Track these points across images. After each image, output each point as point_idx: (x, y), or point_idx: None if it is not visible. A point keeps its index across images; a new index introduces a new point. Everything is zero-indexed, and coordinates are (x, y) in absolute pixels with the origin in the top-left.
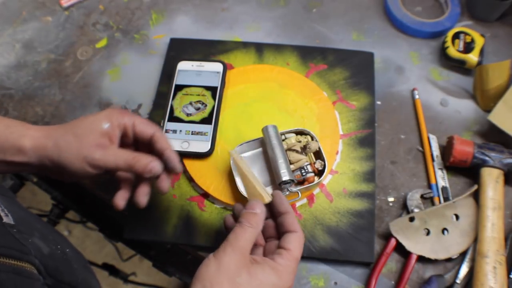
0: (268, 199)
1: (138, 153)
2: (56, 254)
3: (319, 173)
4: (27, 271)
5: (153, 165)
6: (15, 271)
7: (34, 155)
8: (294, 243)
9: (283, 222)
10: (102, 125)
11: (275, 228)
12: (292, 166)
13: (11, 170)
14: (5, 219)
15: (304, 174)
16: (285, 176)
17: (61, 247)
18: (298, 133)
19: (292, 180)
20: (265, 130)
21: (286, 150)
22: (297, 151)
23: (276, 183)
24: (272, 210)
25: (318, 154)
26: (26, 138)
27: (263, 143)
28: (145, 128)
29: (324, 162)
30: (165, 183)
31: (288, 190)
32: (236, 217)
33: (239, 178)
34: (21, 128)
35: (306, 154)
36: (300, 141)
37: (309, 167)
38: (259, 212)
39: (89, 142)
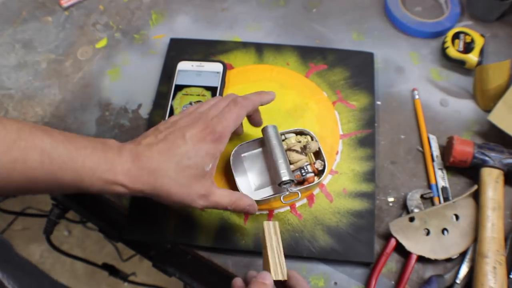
0: (280, 277)
1: (236, 194)
2: None
3: (319, 173)
4: None
5: (253, 208)
6: None
7: (130, 192)
8: None
9: None
10: (205, 168)
11: None
12: (292, 166)
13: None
14: None
15: (304, 174)
16: (285, 176)
17: None
18: (298, 133)
19: (292, 180)
20: (265, 130)
21: (286, 150)
22: (297, 151)
23: (276, 183)
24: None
25: (318, 154)
26: (120, 176)
27: (263, 143)
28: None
29: (324, 162)
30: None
31: (288, 190)
32: (246, 281)
33: (239, 178)
34: (107, 163)
35: (306, 154)
36: (300, 141)
37: (309, 167)
38: (268, 283)
39: (194, 193)
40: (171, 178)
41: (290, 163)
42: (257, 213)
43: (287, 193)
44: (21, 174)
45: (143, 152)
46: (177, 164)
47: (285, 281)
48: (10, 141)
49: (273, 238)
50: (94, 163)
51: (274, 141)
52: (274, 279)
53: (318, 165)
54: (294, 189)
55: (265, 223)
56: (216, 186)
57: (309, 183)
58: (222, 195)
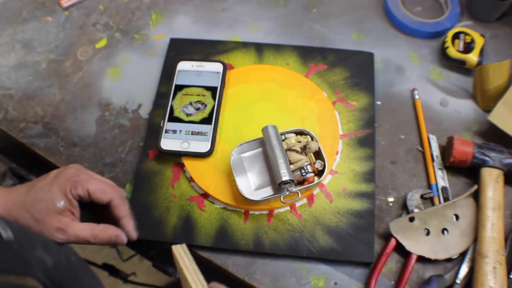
0: None
1: (99, 227)
2: (61, 265)
3: (319, 173)
4: (32, 287)
5: (121, 239)
6: (19, 287)
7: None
8: None
9: None
10: (57, 204)
11: None
12: (292, 166)
13: None
14: (4, 235)
15: (304, 174)
16: (285, 176)
17: (66, 255)
18: (298, 133)
19: (292, 180)
20: (265, 130)
21: (286, 150)
22: (297, 151)
23: (276, 183)
24: None
25: (318, 154)
26: None
27: (263, 143)
28: (101, 196)
29: (324, 162)
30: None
31: (288, 190)
32: None
33: (239, 178)
34: None
35: (306, 154)
36: (300, 141)
37: (309, 167)
38: None
39: (49, 227)
40: (28, 211)
41: (290, 163)
42: (257, 213)
43: (287, 193)
44: None
45: (16, 188)
46: (33, 197)
47: None
48: None
49: (185, 258)
50: None
51: (274, 141)
52: None
53: (318, 165)
54: (294, 189)
55: (173, 247)
56: (78, 222)
57: (309, 183)
58: (82, 228)
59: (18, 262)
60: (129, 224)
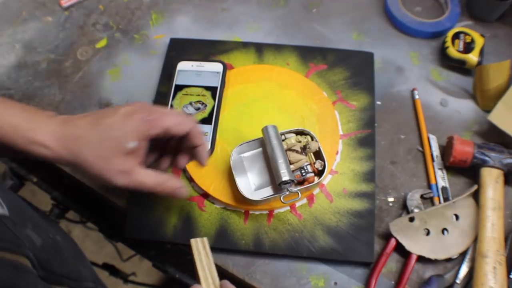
0: (212, 287)
1: (163, 176)
2: (48, 245)
3: (319, 173)
4: (23, 265)
5: (182, 192)
6: (12, 265)
7: (53, 157)
8: None
9: None
10: (128, 145)
11: None
12: (292, 166)
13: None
14: (0, 211)
15: (304, 174)
16: (285, 176)
17: (52, 235)
18: (298, 133)
19: (292, 180)
20: (265, 130)
21: (286, 150)
22: (297, 151)
23: (276, 183)
24: None
25: (318, 154)
26: (42, 137)
27: (263, 143)
28: (180, 129)
29: (324, 162)
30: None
31: (288, 190)
32: None
33: (239, 178)
34: (30, 123)
35: (306, 154)
36: (300, 141)
37: (309, 167)
38: None
39: (113, 167)
40: (91, 148)
41: (290, 163)
42: (257, 213)
43: (287, 193)
44: None
45: (73, 120)
46: (100, 134)
47: None
48: None
49: (201, 252)
50: (17, 121)
51: (274, 141)
52: None
53: (318, 165)
54: (294, 189)
55: (192, 240)
56: (143, 167)
57: (309, 183)
58: (147, 175)
59: (12, 239)
60: (204, 152)
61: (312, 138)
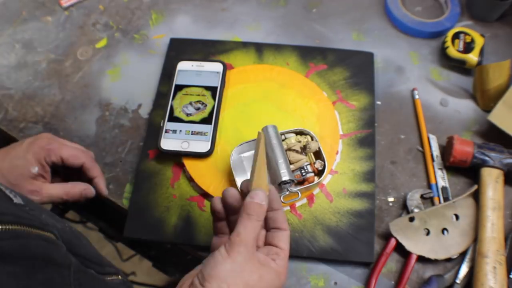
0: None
1: (68, 185)
2: (66, 230)
3: (319, 173)
4: (53, 239)
5: (89, 191)
6: (43, 238)
7: None
8: (287, 242)
9: (276, 219)
10: (31, 170)
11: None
12: (292, 166)
13: None
14: (15, 200)
15: (304, 174)
16: (285, 176)
17: (67, 224)
18: (298, 133)
19: (292, 180)
20: (265, 130)
21: (286, 150)
22: (297, 151)
23: (276, 183)
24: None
25: (318, 154)
26: None
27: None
28: (74, 161)
29: (324, 162)
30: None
31: (288, 190)
32: (226, 201)
33: (239, 178)
34: None
35: (306, 154)
36: (300, 141)
37: (309, 167)
38: (265, 204)
39: (24, 190)
40: (4, 177)
41: (290, 163)
42: None
43: (287, 193)
44: None
45: None
46: (9, 164)
47: None
48: None
49: (261, 146)
50: None
51: (274, 141)
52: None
53: (318, 165)
54: (294, 189)
55: (261, 131)
56: (49, 183)
57: (309, 183)
58: (53, 188)
59: (35, 219)
60: (101, 182)
61: (312, 138)
